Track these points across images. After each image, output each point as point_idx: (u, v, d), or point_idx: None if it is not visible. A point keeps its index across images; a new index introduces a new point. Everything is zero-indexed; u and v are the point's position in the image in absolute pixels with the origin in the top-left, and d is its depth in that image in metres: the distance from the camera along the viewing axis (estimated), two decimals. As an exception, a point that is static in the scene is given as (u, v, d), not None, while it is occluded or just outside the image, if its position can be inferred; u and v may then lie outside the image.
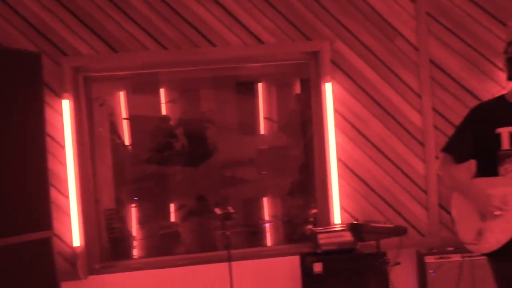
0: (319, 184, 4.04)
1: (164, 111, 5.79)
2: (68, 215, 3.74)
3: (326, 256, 3.66)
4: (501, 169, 2.33)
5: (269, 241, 5.38)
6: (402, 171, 3.92)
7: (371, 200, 3.94)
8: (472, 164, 2.50)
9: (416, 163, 3.93)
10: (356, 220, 3.60)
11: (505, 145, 2.31)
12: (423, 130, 3.88)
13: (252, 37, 3.85)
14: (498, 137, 2.32)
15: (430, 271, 3.69)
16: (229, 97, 6.12)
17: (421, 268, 3.80)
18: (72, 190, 3.75)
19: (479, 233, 2.32)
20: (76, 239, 3.77)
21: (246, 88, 6.08)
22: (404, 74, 3.89)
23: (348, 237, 3.66)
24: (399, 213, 3.93)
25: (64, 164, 3.75)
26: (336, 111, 3.90)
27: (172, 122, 5.77)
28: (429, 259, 3.72)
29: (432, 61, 3.87)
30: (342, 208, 3.94)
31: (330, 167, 3.90)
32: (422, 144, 3.88)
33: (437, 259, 3.70)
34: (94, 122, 4.20)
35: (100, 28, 3.78)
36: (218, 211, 3.77)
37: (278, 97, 5.91)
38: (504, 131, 2.32)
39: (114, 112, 5.36)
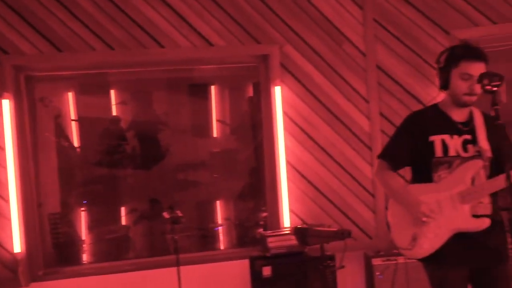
0: (268, 187, 4.03)
1: (114, 113, 5.65)
2: (9, 220, 3.59)
3: (275, 259, 3.65)
4: (435, 176, 2.36)
5: (221, 245, 5.33)
6: (350, 175, 3.96)
7: (320, 203, 3.96)
8: (407, 171, 2.55)
9: (363, 166, 3.98)
10: (301, 224, 3.61)
11: (438, 152, 2.34)
12: (370, 134, 3.94)
13: (202, 39, 3.81)
14: (431, 145, 2.35)
15: (377, 273, 3.74)
16: (182, 99, 6.05)
17: (369, 270, 3.85)
18: (12, 194, 3.60)
19: (414, 238, 2.34)
20: (17, 245, 3.61)
21: (199, 90, 6.03)
22: (352, 79, 3.94)
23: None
24: (347, 216, 3.97)
25: (4, 167, 3.59)
26: (285, 114, 3.90)
27: (123, 124, 5.64)
28: (376, 262, 3.76)
29: (379, 67, 3.93)
30: (292, 211, 3.95)
31: (279, 170, 3.90)
32: (369, 148, 3.94)
33: (384, 261, 3.75)
34: (38, 123, 4.05)
35: (44, 27, 3.65)
36: (166, 215, 3.70)
37: (230, 99, 5.88)
38: (437, 139, 2.35)
39: (61, 113, 5.19)
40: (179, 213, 3.67)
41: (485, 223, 2.27)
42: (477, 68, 2.26)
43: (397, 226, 2.45)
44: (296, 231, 2.99)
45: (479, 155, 2.31)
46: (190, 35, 3.79)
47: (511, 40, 3.98)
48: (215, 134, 5.99)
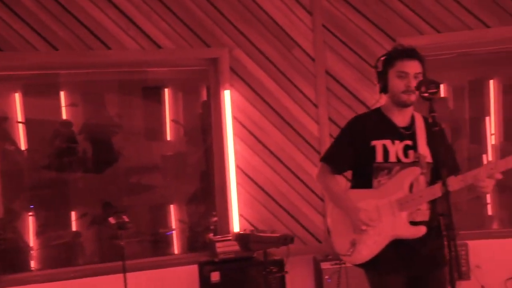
0: (218, 191, 3.99)
1: (64, 115, 5.48)
2: None
3: (224, 264, 3.62)
4: (374, 182, 2.35)
5: (173, 250, 5.25)
6: (300, 179, 3.97)
7: (270, 207, 3.95)
8: (350, 175, 2.55)
9: (313, 171, 3.90)
10: (244, 230, 3.58)
11: (379, 158, 2.33)
12: (319, 139, 3.96)
13: (150, 42, 3.74)
14: (373, 149, 2.34)
15: (325, 277, 3.75)
16: (135, 102, 5.94)
17: (318, 274, 3.86)
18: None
19: (353, 244, 2.33)
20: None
21: (153, 93, 5.95)
22: (301, 84, 3.96)
23: (245, 245, 3.64)
24: (296, 220, 3.98)
25: None
26: (235, 118, 3.88)
27: (74, 127, 5.47)
28: (325, 265, 3.78)
29: (328, 72, 3.96)
30: (241, 215, 3.92)
31: (228, 174, 3.87)
32: (318, 152, 3.96)
33: (332, 265, 3.76)
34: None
35: (-16, 26, 3.50)
36: (112, 220, 3.60)
37: (184, 103, 5.82)
38: (378, 144, 2.34)
39: (7, 115, 4.99)
40: (125, 219, 3.58)
41: (422, 230, 2.27)
42: (411, 66, 2.29)
43: (336, 231, 2.44)
44: (238, 237, 2.96)
45: (418, 161, 2.31)
46: (138, 37, 3.71)
47: (454, 48, 4.09)
48: (168, 137, 5.92)
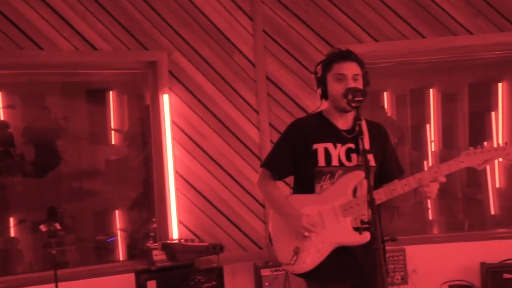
0: (157, 197, 3.88)
1: (1, 116, 5.22)
2: None
3: (161, 273, 3.51)
4: (317, 187, 2.27)
5: (114, 257, 5.09)
6: (240, 185, 3.91)
7: (210, 214, 3.88)
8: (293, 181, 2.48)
9: (254, 177, 3.84)
10: (170, 240, 3.48)
11: (321, 162, 2.26)
12: (260, 145, 3.92)
13: (85, 43, 3.60)
14: (314, 153, 2.27)
15: (265, 284, 3.71)
16: (79, 105, 5.75)
17: (258, 281, 3.81)
18: None
19: (296, 253, 2.24)
20: None
21: (97, 96, 5.77)
22: (242, 89, 3.91)
23: (183, 252, 3.55)
24: (237, 227, 3.92)
25: None
26: (174, 123, 3.79)
27: (14, 129, 5.22)
28: (265, 272, 3.73)
29: (268, 78, 3.93)
30: (180, 222, 3.83)
31: (167, 180, 3.78)
32: (259, 158, 3.92)
33: (272, 271, 3.73)
34: None
35: None
36: (43, 228, 3.43)
37: (128, 106, 5.67)
38: (320, 147, 2.27)
39: None
40: (57, 226, 3.43)
41: (366, 237, 2.15)
42: (348, 68, 2.26)
43: (278, 239, 2.33)
44: (164, 246, 2.86)
45: (362, 164, 2.24)
46: (72, 38, 3.57)
47: (392, 57, 4.15)
48: (113, 142, 5.75)
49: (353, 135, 2.30)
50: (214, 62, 3.86)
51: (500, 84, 5.62)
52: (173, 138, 3.79)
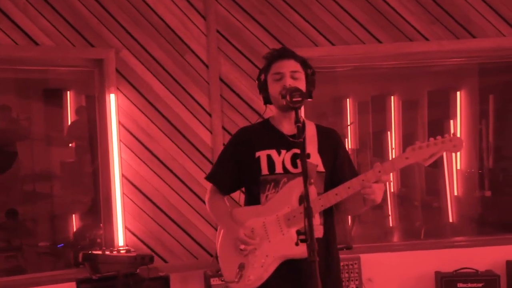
0: (103, 202, 3.66)
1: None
2: None
3: (104, 282, 3.27)
4: (262, 197, 2.09)
5: (61, 264, 4.83)
6: (191, 190, 3.73)
7: (159, 220, 3.68)
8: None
9: (206, 182, 3.73)
10: (92, 250, 3.23)
11: (264, 170, 2.09)
12: (212, 149, 3.75)
13: (26, 38, 3.37)
14: (258, 161, 2.10)
15: (215, 293, 3.53)
16: (34, 105, 5.50)
17: (208, 290, 3.63)
18: None
19: (241, 268, 2.06)
20: None
21: (54, 96, 5.53)
22: (194, 90, 3.74)
23: (128, 260, 3.34)
24: (187, 233, 3.73)
25: None
26: (121, 124, 3.59)
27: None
28: (214, 281, 3.54)
29: (222, 80, 3.77)
30: (127, 228, 3.61)
31: (113, 184, 3.56)
32: (211, 162, 3.74)
33: (222, 280, 3.54)
34: None
35: None
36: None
37: (87, 106, 5.43)
38: (262, 155, 2.10)
39: None
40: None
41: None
42: (285, 65, 2.10)
43: (224, 255, 2.14)
44: (85, 257, 2.60)
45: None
46: (12, 32, 3.33)
47: (348, 62, 4.06)
48: (71, 144, 5.52)
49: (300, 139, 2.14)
50: (165, 62, 3.68)
51: (458, 93, 5.67)
52: (120, 140, 3.59)
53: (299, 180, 2.02)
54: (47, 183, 5.43)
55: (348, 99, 6.09)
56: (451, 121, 5.74)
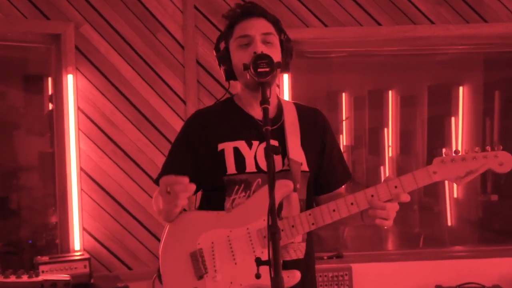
0: (59, 199, 3.17)
1: None
2: None
3: (50, 291, 2.79)
4: (227, 202, 1.58)
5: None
6: (161, 187, 3.23)
7: (122, 220, 3.19)
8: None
9: None
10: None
11: (230, 167, 1.57)
12: (187, 141, 3.25)
13: (-33, 7, 2.87)
14: (221, 156, 1.59)
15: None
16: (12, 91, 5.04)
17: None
18: None
19: None
20: None
21: (33, 80, 5.07)
22: (167, 74, 3.24)
23: (82, 268, 2.87)
24: (154, 236, 3.24)
25: None
26: (80, 110, 3.10)
27: None
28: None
29: (199, 63, 3.28)
30: (85, 230, 3.13)
31: (70, 179, 3.07)
32: (185, 156, 3.26)
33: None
34: None
35: None
36: None
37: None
38: (227, 147, 1.59)
39: None
40: None
41: (295, 276, 1.51)
42: (254, 26, 1.59)
43: (171, 277, 1.57)
44: None
45: (289, 170, 1.57)
46: (-51, -1, 2.84)
47: (343, 46, 3.57)
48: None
49: (277, 126, 1.62)
50: (134, 40, 3.18)
51: (461, 88, 5.25)
52: (79, 129, 3.10)
53: (280, 184, 1.48)
54: (25, 174, 4.99)
55: (343, 93, 5.66)
56: (453, 119, 5.34)
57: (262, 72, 1.44)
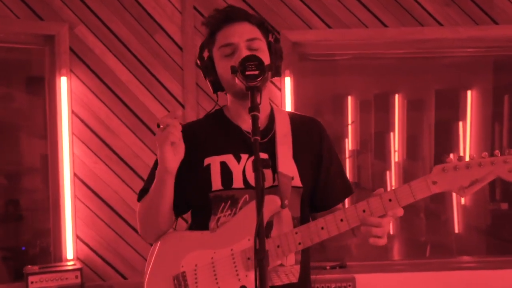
0: (52, 206, 3.07)
1: None
2: None
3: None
4: (212, 221, 1.46)
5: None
6: (158, 194, 3.12)
7: (117, 228, 3.09)
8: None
9: None
10: None
11: (216, 183, 1.46)
12: (185, 146, 3.14)
13: (-43, 6, 2.78)
14: (207, 171, 1.47)
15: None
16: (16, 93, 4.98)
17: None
18: None
19: None
20: None
21: (35, 82, 5.01)
22: (165, 77, 3.14)
23: (73, 279, 2.76)
24: (151, 244, 3.12)
25: None
26: (74, 114, 3.00)
27: None
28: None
29: (198, 65, 3.16)
30: (78, 238, 3.02)
31: (63, 185, 2.97)
32: (184, 162, 3.15)
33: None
34: None
35: None
36: None
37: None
38: (214, 162, 1.47)
39: None
40: None
41: None
42: (237, 32, 1.46)
43: None
44: None
45: (278, 185, 1.43)
46: None
47: (347, 48, 3.46)
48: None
49: (268, 138, 1.50)
50: (130, 42, 3.08)
51: (469, 92, 5.12)
52: (73, 133, 3.00)
53: (269, 199, 1.36)
54: (26, 176, 4.92)
55: (349, 97, 5.55)
56: (460, 123, 5.22)
57: (251, 76, 1.30)
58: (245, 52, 1.43)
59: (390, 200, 1.34)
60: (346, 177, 1.60)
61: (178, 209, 1.53)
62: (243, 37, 1.46)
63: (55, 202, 3.04)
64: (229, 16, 1.48)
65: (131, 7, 3.08)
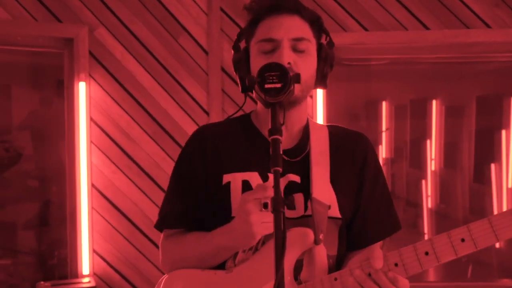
0: (69, 217, 2.94)
1: None
2: None
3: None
4: (228, 260, 1.23)
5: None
6: (180, 206, 2.97)
7: (136, 243, 2.94)
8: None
9: None
10: None
11: (237, 207, 1.21)
12: (209, 156, 2.97)
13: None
14: (226, 191, 1.24)
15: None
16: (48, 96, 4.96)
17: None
18: None
19: None
20: None
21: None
22: (189, 83, 2.98)
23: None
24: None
25: None
26: (92, 121, 2.87)
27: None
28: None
29: (224, 70, 3.00)
30: (95, 252, 2.89)
31: (79, 196, 2.84)
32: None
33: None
34: None
35: None
36: None
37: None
38: (235, 180, 1.24)
39: None
40: None
41: None
42: (283, 26, 1.21)
43: None
44: None
45: (312, 215, 1.21)
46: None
47: (385, 53, 3.24)
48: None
49: (301, 156, 1.27)
50: (153, 45, 2.93)
51: (513, 98, 4.85)
52: (91, 141, 2.87)
53: (299, 233, 1.15)
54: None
55: (383, 102, 5.33)
56: (503, 131, 4.95)
57: (271, 89, 1.06)
58: (287, 53, 1.20)
59: (396, 264, 1.12)
60: (393, 209, 1.34)
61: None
62: (290, 34, 1.22)
63: (72, 213, 2.91)
64: (279, 3, 1.23)
65: (154, 8, 2.94)
